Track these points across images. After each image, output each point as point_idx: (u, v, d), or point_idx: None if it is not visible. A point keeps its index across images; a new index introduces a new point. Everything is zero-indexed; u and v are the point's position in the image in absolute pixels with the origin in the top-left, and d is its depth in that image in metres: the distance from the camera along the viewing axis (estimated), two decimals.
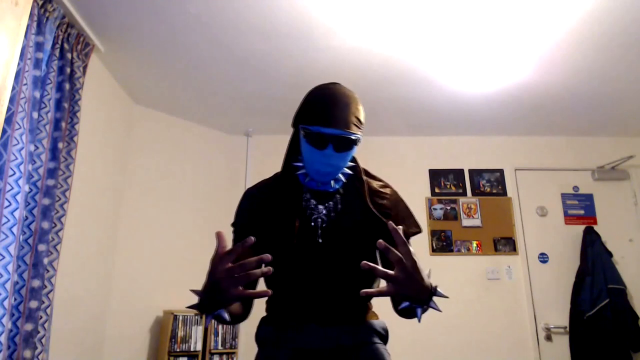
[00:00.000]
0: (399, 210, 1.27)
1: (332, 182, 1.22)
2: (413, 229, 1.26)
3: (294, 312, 1.21)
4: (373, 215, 1.21)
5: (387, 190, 1.30)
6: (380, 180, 1.32)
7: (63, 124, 2.30)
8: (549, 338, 3.45)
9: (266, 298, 1.30)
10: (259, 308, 1.29)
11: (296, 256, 1.19)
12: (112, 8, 2.37)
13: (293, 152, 1.26)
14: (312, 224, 1.20)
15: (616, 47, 2.66)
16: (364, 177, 1.27)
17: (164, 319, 3.16)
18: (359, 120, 1.17)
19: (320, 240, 1.19)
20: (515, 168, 3.88)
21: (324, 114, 1.13)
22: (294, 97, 3.29)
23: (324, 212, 1.22)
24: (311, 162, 1.18)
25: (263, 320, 1.29)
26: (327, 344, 1.16)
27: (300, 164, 1.24)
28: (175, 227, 3.48)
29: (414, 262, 0.93)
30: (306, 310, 1.19)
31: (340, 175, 1.23)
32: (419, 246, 3.58)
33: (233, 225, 1.31)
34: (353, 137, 1.15)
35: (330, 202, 1.23)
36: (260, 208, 1.26)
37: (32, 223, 2.08)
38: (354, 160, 1.27)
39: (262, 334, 1.25)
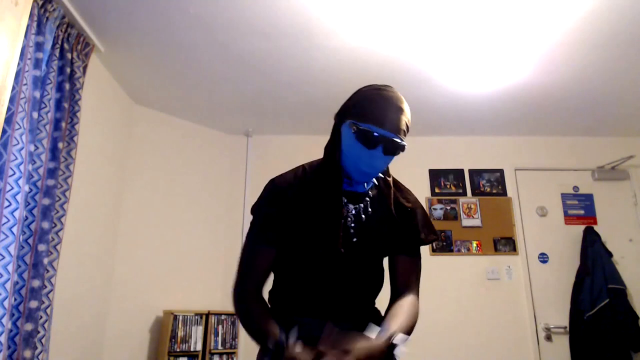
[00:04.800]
0: (419, 218, 1.29)
1: (365, 183, 1.23)
2: (431, 236, 1.29)
3: (302, 307, 1.22)
4: (395, 219, 1.24)
5: (410, 197, 1.32)
6: (402, 185, 1.34)
7: (63, 124, 2.30)
8: (549, 338, 3.45)
9: (269, 292, 1.31)
10: None
11: (322, 255, 1.20)
12: (112, 8, 2.37)
13: (334, 147, 1.23)
14: (342, 221, 1.21)
15: (616, 47, 2.66)
16: (392, 184, 1.29)
17: (164, 319, 3.16)
18: (408, 127, 1.17)
19: (355, 240, 1.20)
20: (515, 168, 3.88)
21: (380, 114, 1.11)
22: (294, 97, 3.32)
23: (354, 212, 1.22)
24: (355, 159, 1.16)
25: None
26: None
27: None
28: (175, 227, 3.48)
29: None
30: (316, 306, 1.21)
31: (374, 179, 1.24)
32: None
33: (254, 210, 1.25)
34: (402, 143, 1.14)
35: (361, 204, 1.24)
36: (291, 202, 1.21)
37: (32, 223, 2.08)
38: None
39: None
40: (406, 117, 1.16)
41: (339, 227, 1.18)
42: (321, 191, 1.21)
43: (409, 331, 1.12)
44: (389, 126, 1.11)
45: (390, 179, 1.29)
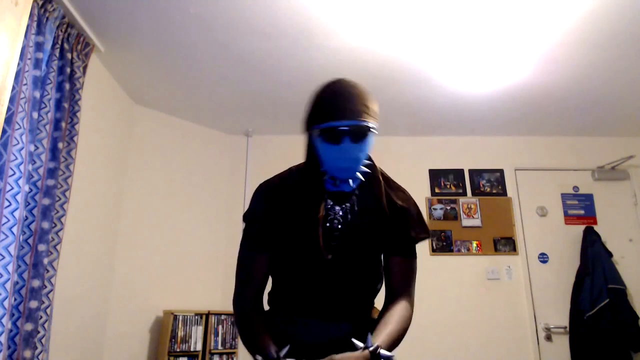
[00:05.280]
0: (411, 214, 1.26)
1: (350, 181, 1.21)
2: (422, 234, 1.27)
3: (300, 308, 1.23)
4: (387, 217, 1.22)
5: (401, 194, 1.29)
6: (393, 182, 1.32)
7: (63, 124, 2.30)
8: (549, 338, 3.45)
9: (269, 293, 1.32)
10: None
11: (310, 256, 1.20)
12: (112, 8, 2.37)
13: (311, 157, 1.23)
14: (328, 224, 1.20)
15: (616, 47, 2.66)
16: (381, 178, 1.26)
17: (164, 319, 3.17)
18: (369, 108, 1.14)
19: (334, 243, 1.19)
20: (515, 168, 3.88)
21: (333, 108, 1.11)
22: (294, 97, 3.31)
23: (341, 213, 1.21)
24: (330, 159, 1.15)
25: (267, 313, 1.31)
26: (327, 338, 1.18)
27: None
28: (175, 227, 3.48)
29: None
30: (313, 306, 1.22)
31: (359, 174, 1.21)
32: (419, 246, 3.57)
33: (246, 218, 1.28)
34: (366, 125, 1.12)
35: (347, 204, 1.22)
36: (277, 206, 1.23)
37: (32, 223, 2.08)
38: (370, 159, 1.26)
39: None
40: (364, 99, 1.13)
41: (319, 231, 1.18)
42: (303, 195, 1.22)
43: (398, 338, 1.11)
44: (345, 114, 1.10)
45: (379, 175, 1.26)
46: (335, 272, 1.20)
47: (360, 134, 1.12)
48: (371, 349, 1.00)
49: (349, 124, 1.10)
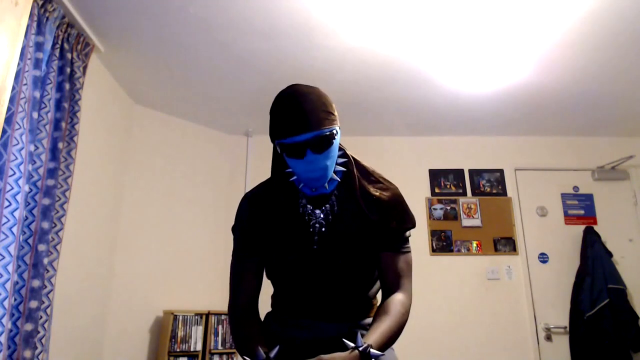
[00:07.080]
0: (389, 205, 1.22)
1: (327, 184, 1.19)
2: (404, 225, 1.22)
3: (295, 309, 1.25)
4: (365, 213, 1.19)
5: (380, 186, 1.24)
6: (374, 175, 1.27)
7: (63, 124, 2.30)
8: (549, 338, 3.45)
9: (271, 296, 1.34)
10: (265, 303, 1.32)
11: (296, 261, 1.20)
12: (112, 8, 2.37)
13: (281, 163, 1.23)
14: (311, 229, 1.20)
15: (616, 47, 2.66)
16: (356, 175, 1.23)
17: (164, 319, 3.17)
18: (326, 112, 1.11)
19: (315, 247, 1.19)
20: (515, 168, 3.88)
21: (289, 123, 1.08)
22: None
23: (322, 216, 1.20)
24: (298, 172, 1.14)
25: (267, 315, 1.34)
26: (320, 339, 1.19)
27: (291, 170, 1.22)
28: (175, 227, 3.48)
29: None
30: (306, 308, 1.23)
31: (334, 175, 1.20)
32: (419, 246, 3.58)
33: (233, 230, 1.31)
34: (327, 133, 1.09)
35: (327, 206, 1.21)
36: (259, 214, 1.25)
37: (32, 223, 2.08)
38: (346, 155, 1.23)
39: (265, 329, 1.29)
40: (319, 105, 1.10)
41: (290, 244, 1.19)
42: (277, 206, 1.23)
43: (393, 336, 1.10)
44: (303, 127, 1.07)
45: (354, 170, 1.23)
46: (324, 274, 1.20)
47: (322, 143, 1.09)
48: (361, 348, 1.00)
49: (308, 137, 1.08)
